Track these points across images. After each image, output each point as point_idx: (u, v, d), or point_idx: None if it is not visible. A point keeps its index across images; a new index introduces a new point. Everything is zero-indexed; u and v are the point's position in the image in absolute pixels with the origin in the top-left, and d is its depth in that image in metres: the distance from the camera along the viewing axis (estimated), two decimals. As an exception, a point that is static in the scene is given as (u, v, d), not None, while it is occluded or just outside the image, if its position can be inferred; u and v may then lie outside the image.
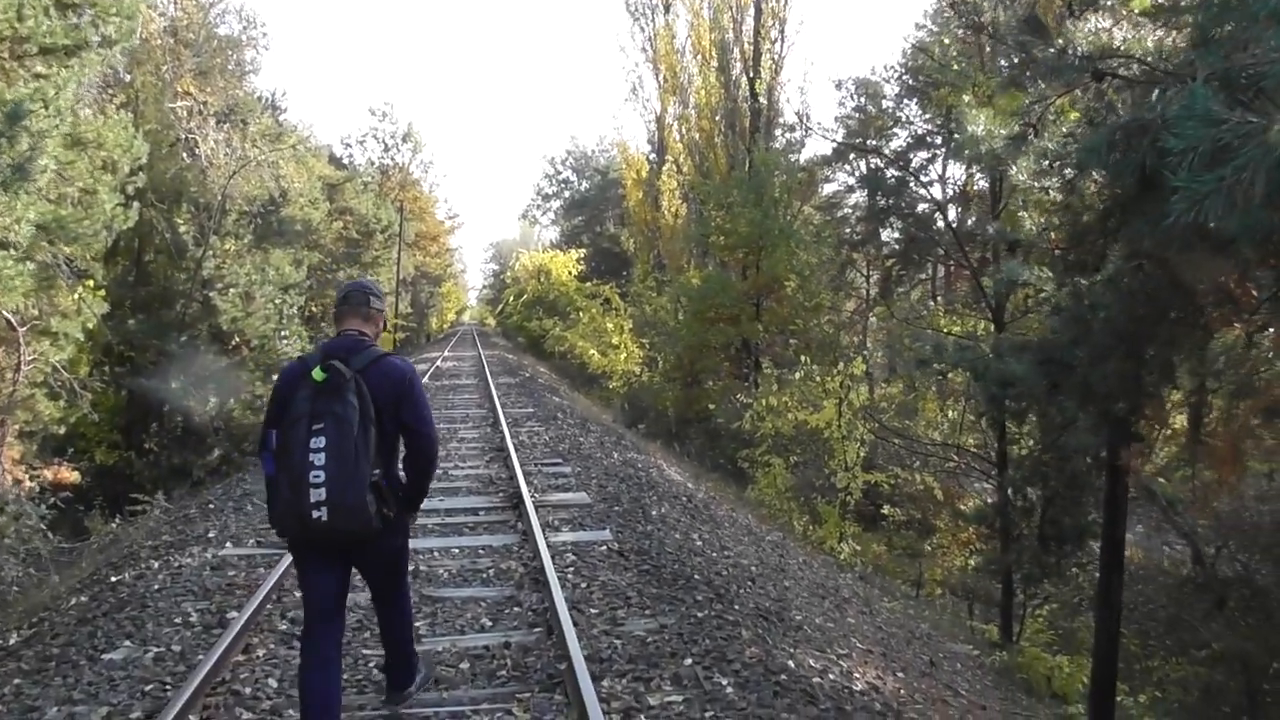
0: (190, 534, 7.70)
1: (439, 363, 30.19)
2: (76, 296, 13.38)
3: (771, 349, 24.61)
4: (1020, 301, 10.28)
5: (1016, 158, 5.49)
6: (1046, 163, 5.38)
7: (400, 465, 3.77)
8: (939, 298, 37.00)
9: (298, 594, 5.76)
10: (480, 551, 6.90)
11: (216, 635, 4.99)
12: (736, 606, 5.86)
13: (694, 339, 22.16)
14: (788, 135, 34.93)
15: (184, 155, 23.63)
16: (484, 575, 6.25)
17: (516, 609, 5.56)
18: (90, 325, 13.24)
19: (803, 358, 15.94)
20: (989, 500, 17.76)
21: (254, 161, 27.21)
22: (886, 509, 16.07)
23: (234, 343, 18.31)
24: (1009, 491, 8.91)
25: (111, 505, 15.21)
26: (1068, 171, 5.26)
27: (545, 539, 6.95)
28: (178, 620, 5.29)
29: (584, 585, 5.94)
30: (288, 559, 6.21)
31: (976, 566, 13.60)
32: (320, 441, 3.35)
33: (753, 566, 7.98)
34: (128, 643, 4.95)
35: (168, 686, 4.39)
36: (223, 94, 28.61)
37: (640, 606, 5.54)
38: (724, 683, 4.46)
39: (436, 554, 6.83)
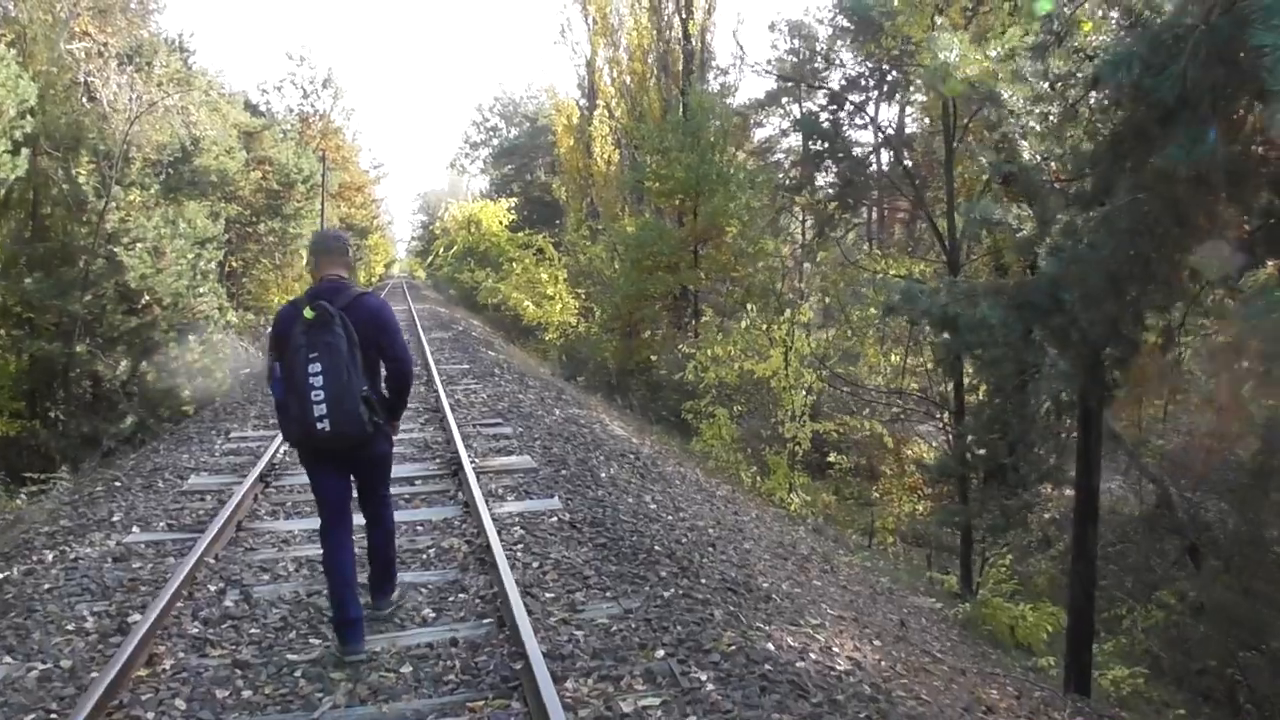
0: (92, 517, 6.93)
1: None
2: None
3: (711, 297, 24.16)
4: (991, 244, 9.96)
5: (1013, 80, 4.98)
6: (1046, 84, 4.88)
7: (382, 383, 4.49)
8: (873, 242, 36.91)
9: (211, 588, 5.13)
10: (418, 528, 6.29)
11: (115, 645, 4.33)
12: (703, 580, 5.38)
13: (632, 288, 21.54)
14: (721, 79, 34.22)
15: (83, 100, 22.09)
16: (423, 557, 5.65)
17: (462, 596, 4.98)
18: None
19: (748, 306, 15.46)
20: (935, 445, 17.68)
21: (160, 107, 25.63)
22: (833, 456, 15.79)
23: (144, 301, 17.14)
24: (968, 440, 8.55)
25: (16, 480, 14.20)
26: (1072, 93, 4.77)
27: (489, 510, 6.37)
28: (70, 627, 4.60)
29: (536, 565, 5.39)
30: (200, 544, 5.57)
31: (932, 515, 13.43)
32: (317, 367, 4.06)
33: (710, 529, 7.52)
34: (8, 659, 4.25)
35: (53, 715, 3.74)
36: (125, 34, 26.81)
37: (600, 588, 5.01)
38: (703, 678, 3.96)
39: (361, 529, 6.21)
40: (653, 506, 7.56)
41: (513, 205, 49.65)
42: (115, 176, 16.65)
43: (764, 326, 14.85)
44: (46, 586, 5.21)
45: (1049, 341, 5.61)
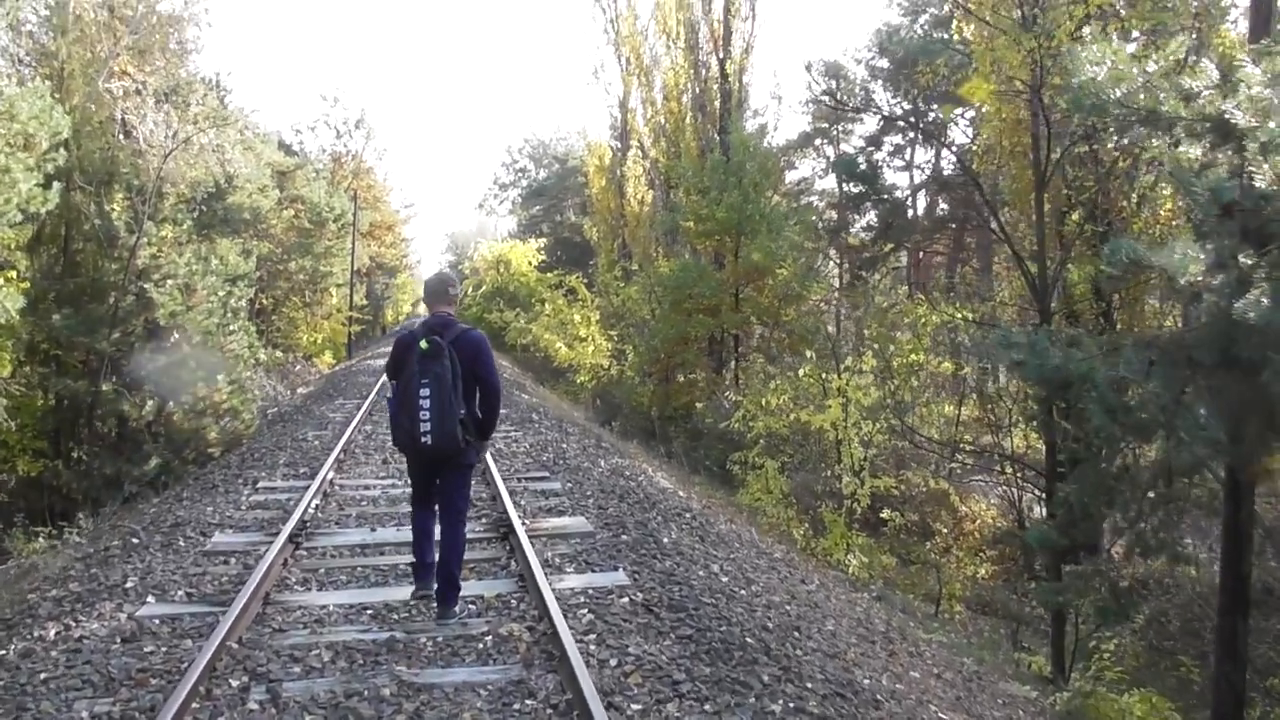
0: (104, 581, 6.22)
1: (394, 357, 28.59)
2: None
3: (750, 341, 23.42)
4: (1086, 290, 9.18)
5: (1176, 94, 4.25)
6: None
7: (476, 405, 5.17)
8: (912, 286, 36.03)
9: (233, 683, 4.38)
10: (470, 606, 5.52)
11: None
12: (809, 685, 4.56)
13: (671, 331, 20.83)
14: (759, 119, 33.73)
15: (119, 136, 21.87)
16: (479, 646, 4.87)
17: (530, 703, 4.19)
18: (1, 321, 11.57)
19: (808, 353, 14.68)
20: (991, 503, 16.72)
21: (194, 142, 25.43)
22: (885, 513, 14.86)
23: (173, 339, 16.60)
24: (1073, 507, 7.69)
25: (37, 520, 13.59)
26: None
27: (550, 585, 5.60)
28: (65, 735, 3.87)
29: (614, 662, 4.59)
30: (223, 625, 4.83)
31: (996, 579, 12.52)
32: (426, 391, 4.83)
33: (788, 605, 6.70)
34: (-13, 779, 3.53)
35: None
36: (162, 74, 26.76)
37: (696, 698, 4.20)
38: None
39: (414, 611, 5.45)
40: (724, 579, 6.76)
41: (542, 246, 49.36)
42: (148, 212, 16.21)
43: (822, 375, 14.03)
44: (43, 675, 4.47)
45: (1205, 402, 4.82)
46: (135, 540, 7.41)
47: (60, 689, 4.30)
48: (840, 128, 38.89)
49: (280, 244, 36.35)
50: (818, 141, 42.58)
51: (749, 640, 5.05)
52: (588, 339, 29.48)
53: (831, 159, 40.05)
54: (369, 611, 5.41)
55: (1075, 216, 12.54)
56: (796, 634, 5.90)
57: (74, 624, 5.28)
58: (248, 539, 7.17)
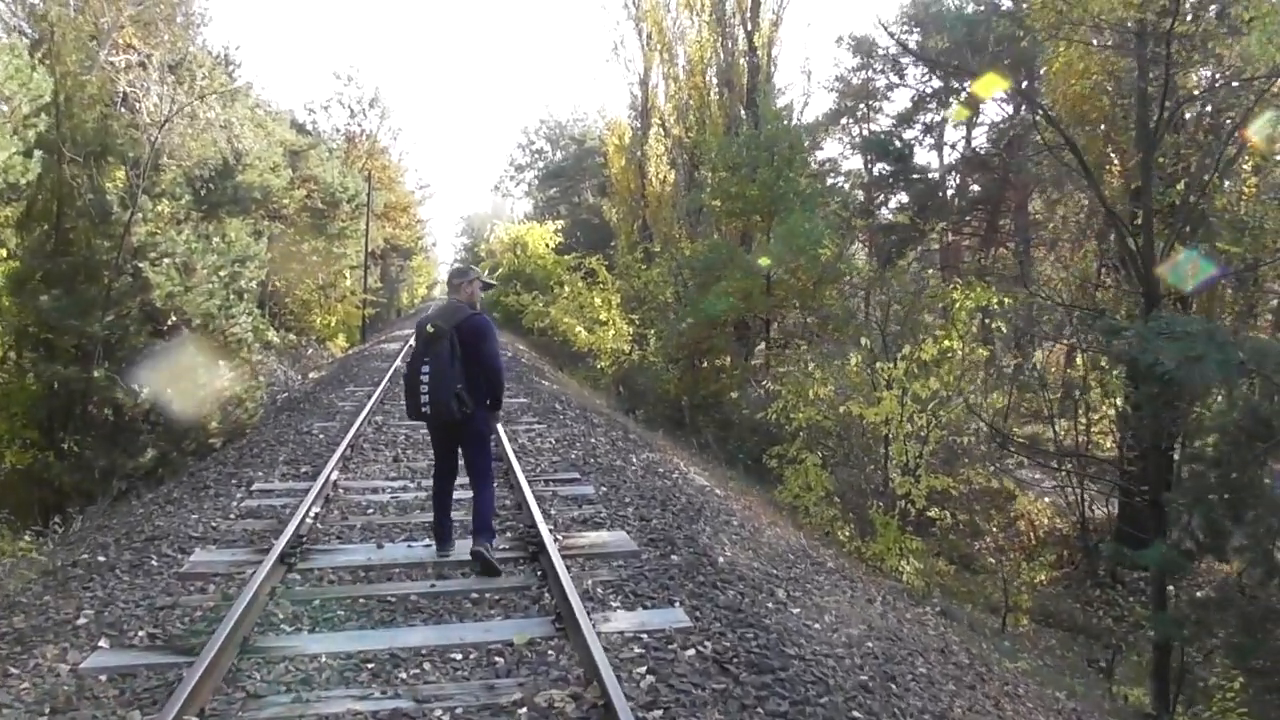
0: (55, 614, 5.16)
1: (412, 340, 27.54)
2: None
3: (780, 326, 22.26)
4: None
5: None
6: None
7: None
8: (945, 270, 34.65)
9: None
10: (495, 659, 4.42)
11: None
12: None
13: (699, 315, 19.66)
14: (786, 97, 32.41)
15: (120, 109, 20.86)
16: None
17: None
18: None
19: (863, 340, 13.50)
20: (1048, 500, 15.50)
21: (199, 116, 24.42)
22: (934, 511, 13.66)
23: (170, 322, 15.53)
24: (1185, 521, 6.53)
25: (26, 515, 12.61)
26: None
27: (594, 629, 4.50)
28: None
29: (691, 751, 3.48)
30: (181, 691, 3.74)
31: (1055, 585, 11.37)
32: (426, 368, 5.66)
33: (870, 642, 5.59)
34: None
35: None
36: (167, 46, 25.76)
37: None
38: None
39: (427, 664, 4.35)
40: (795, 610, 5.66)
41: (559, 227, 48.24)
42: (144, 186, 15.10)
43: (871, 364, 12.84)
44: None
45: None
46: (102, 559, 6.34)
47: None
48: (869, 105, 37.42)
49: (293, 225, 35.38)
50: (844, 121, 41.13)
51: (856, 715, 3.93)
52: (608, 323, 28.33)
53: (859, 138, 38.55)
54: (370, 666, 4.30)
55: (1180, 188, 11.26)
56: (894, 685, 4.81)
57: (2, 680, 4.21)
58: (232, 557, 6.09)
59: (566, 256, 40.05)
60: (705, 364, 21.29)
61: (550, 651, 4.48)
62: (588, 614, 4.71)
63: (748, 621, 5.00)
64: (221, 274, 16.78)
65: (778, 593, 6.03)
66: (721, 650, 4.48)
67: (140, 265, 14.88)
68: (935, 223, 27.16)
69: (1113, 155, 12.66)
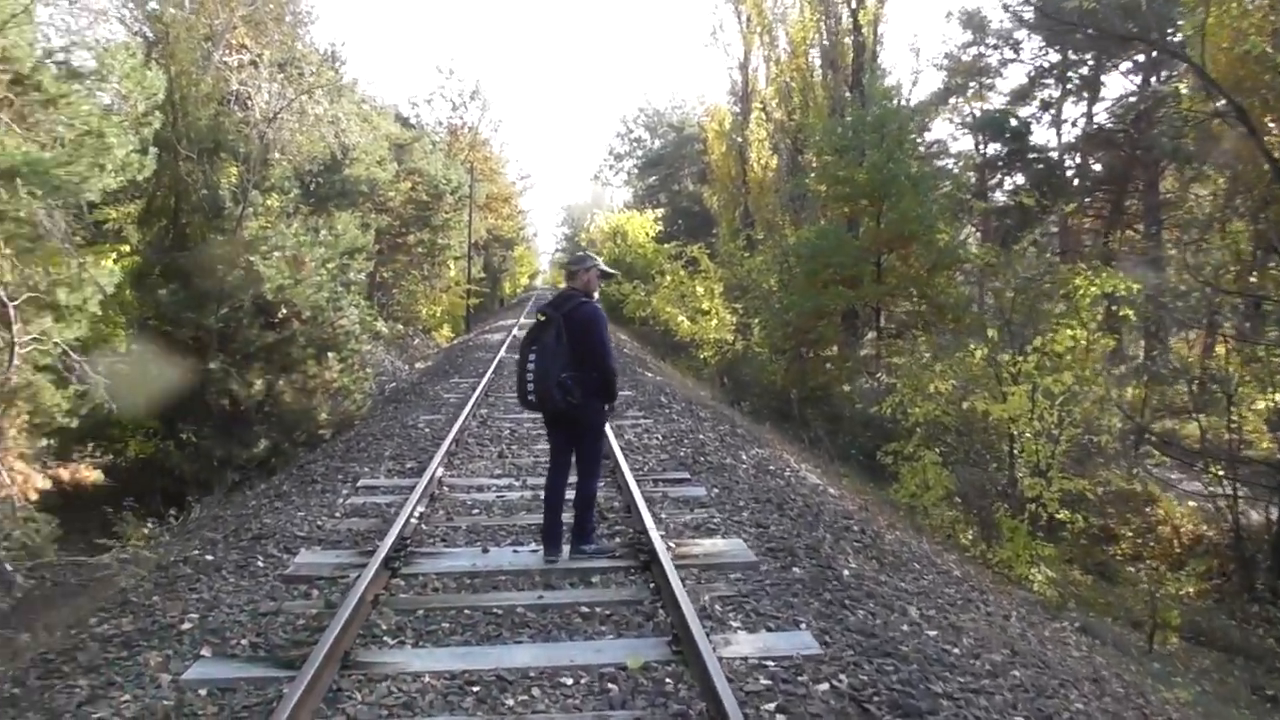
0: (161, 618, 5.05)
1: (515, 331, 27.63)
2: (76, 264, 10.86)
3: (893, 313, 21.45)
4: None
5: None
6: None
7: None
8: (1065, 254, 32.99)
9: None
10: (609, 684, 4.08)
11: None
12: None
13: (807, 304, 19.04)
14: (892, 78, 31.29)
15: (233, 107, 21.36)
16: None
17: None
18: (89, 297, 10.71)
19: (990, 332, 12.75)
20: (1192, 505, 14.40)
21: (308, 112, 24.86)
22: (1063, 514, 12.77)
23: (281, 315, 15.75)
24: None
25: (147, 504, 12.89)
26: None
27: (714, 653, 4.13)
28: None
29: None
30: (282, 711, 3.51)
31: (1206, 598, 10.46)
32: (533, 356, 5.63)
33: (1016, 670, 5.07)
34: None
35: None
36: (278, 45, 26.34)
37: None
38: None
39: (535, 689, 4.04)
40: (931, 633, 5.16)
41: (659, 216, 47.99)
42: (254, 180, 15.34)
43: (995, 357, 12.08)
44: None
45: None
46: (210, 557, 6.26)
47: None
48: (981, 82, 35.85)
49: (398, 217, 35.99)
50: (953, 100, 39.56)
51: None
52: (711, 312, 27.92)
53: (970, 117, 36.99)
54: (475, 690, 4.01)
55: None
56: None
57: (101, 694, 4.07)
58: (337, 560, 5.92)
59: (667, 245, 39.77)
60: (812, 354, 20.67)
61: (667, 679, 4.11)
62: (707, 635, 4.33)
63: (883, 649, 4.54)
64: (330, 266, 16.97)
65: (910, 611, 5.55)
66: (858, 685, 4.04)
67: (252, 259, 15.11)
68: (1065, 203, 25.76)
69: (1272, 125, 11.59)
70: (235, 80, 22.78)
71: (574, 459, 5.92)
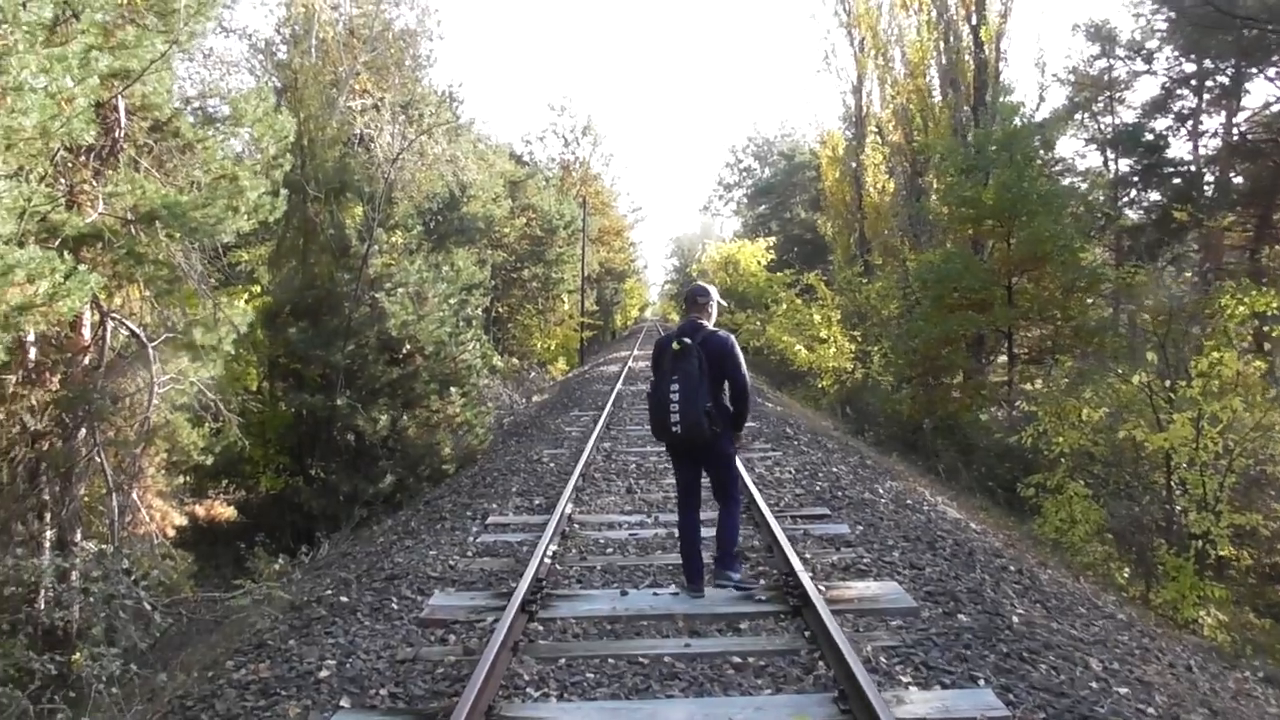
0: (297, 665, 4.92)
1: (630, 363, 27.55)
2: (212, 305, 11.16)
3: (1025, 338, 20.44)
4: None
5: None
6: None
7: (726, 399, 5.67)
8: (1206, 274, 31.06)
9: None
10: (774, 749, 3.72)
11: None
12: None
13: (935, 330, 18.30)
14: (1019, 91, 30.19)
15: (357, 148, 22.01)
16: None
17: None
18: (224, 336, 10.98)
19: (1149, 355, 11.91)
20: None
21: (429, 154, 25.49)
22: (1225, 550, 11.72)
23: (405, 350, 15.96)
24: None
25: (278, 539, 13.11)
26: None
27: (888, 711, 3.72)
28: None
29: None
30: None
31: None
32: (675, 386, 5.48)
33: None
34: None
35: None
36: (398, 88, 27.17)
37: None
38: None
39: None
40: (1122, 691, 4.61)
41: (771, 244, 47.51)
42: (378, 219, 15.64)
43: (1164, 383, 11.20)
44: None
45: None
46: (344, 599, 6.15)
47: None
48: (1113, 95, 34.30)
49: (513, 252, 36.58)
50: (1080, 115, 37.97)
51: None
52: (829, 340, 27.25)
53: (1098, 133, 35.40)
54: (630, 752, 3.71)
55: None
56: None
57: (242, 746, 3.92)
58: (472, 602, 5.73)
59: (779, 274, 39.23)
60: (939, 382, 19.86)
61: (839, 742, 3.72)
62: (878, 695, 3.92)
63: (1077, 710, 4.04)
64: (451, 302, 17.16)
65: (1091, 664, 5.00)
66: (1060, 755, 3.57)
67: (377, 295, 15.38)
68: (1217, 217, 24.31)
69: None
70: (359, 123, 23.53)
71: (700, 492, 5.88)
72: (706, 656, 4.71)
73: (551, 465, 10.95)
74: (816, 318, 28.17)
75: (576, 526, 7.71)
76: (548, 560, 6.45)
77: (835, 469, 10.33)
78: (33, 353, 9.44)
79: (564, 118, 65.99)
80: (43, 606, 8.49)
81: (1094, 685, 4.55)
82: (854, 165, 35.54)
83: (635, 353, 33.41)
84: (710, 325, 5.79)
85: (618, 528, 7.63)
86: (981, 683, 4.27)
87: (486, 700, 4.11)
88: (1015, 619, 5.43)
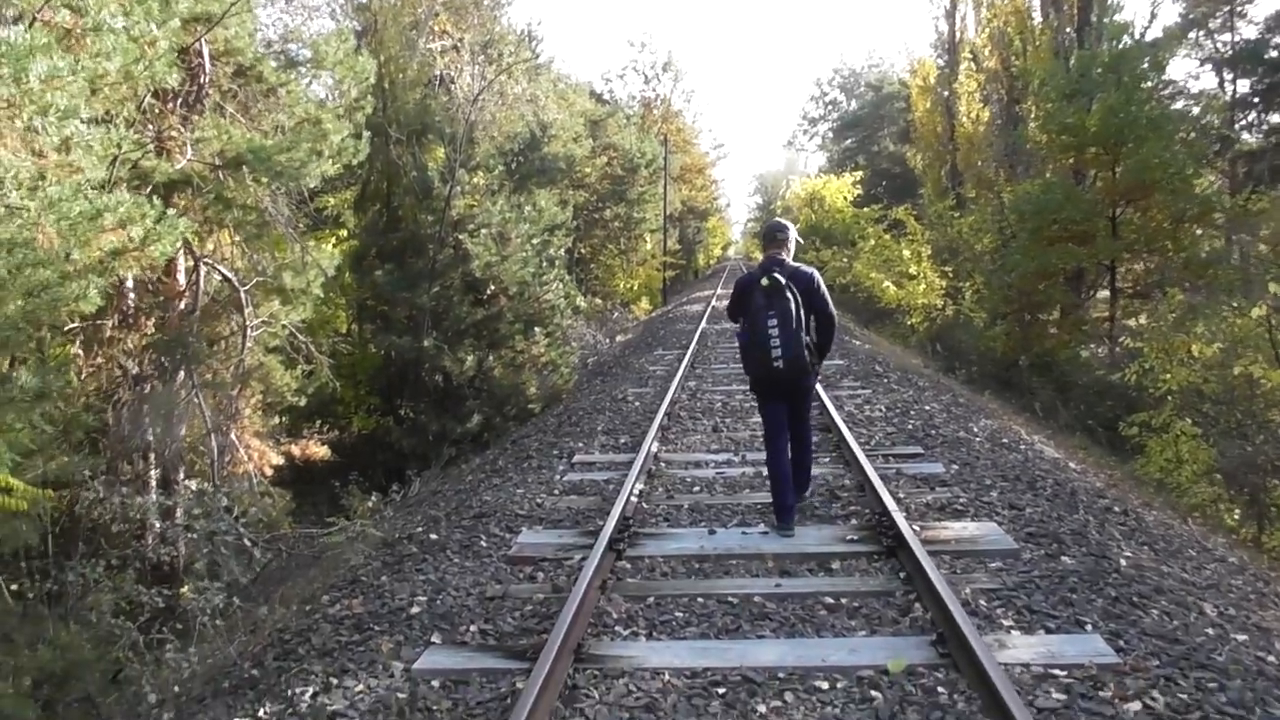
0: (390, 600, 4.98)
1: (714, 302, 27.30)
2: (300, 249, 11.31)
3: (1129, 271, 19.54)
4: None
5: None
6: None
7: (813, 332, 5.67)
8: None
9: None
10: (871, 689, 3.59)
11: None
12: None
13: (1032, 264, 17.60)
14: (1128, 10, 28.54)
15: (437, 89, 21.99)
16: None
17: None
18: (312, 280, 11.14)
19: (1271, 286, 11.22)
20: None
21: (499, 86, 25.28)
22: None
23: (489, 291, 16.04)
24: None
25: (370, 476, 13.43)
26: None
27: (992, 657, 3.56)
28: None
29: None
30: (520, 711, 3.24)
31: None
32: (774, 322, 5.47)
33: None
34: None
35: None
36: (477, 28, 26.98)
37: None
38: None
39: (788, 693, 3.61)
40: (1241, 638, 4.33)
41: (858, 179, 46.28)
42: (460, 160, 15.62)
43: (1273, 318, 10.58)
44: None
45: None
46: (434, 537, 6.21)
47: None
48: (1233, 10, 32.12)
49: (595, 192, 36.37)
50: (1193, 34, 35.73)
51: None
52: (919, 276, 26.50)
53: (1215, 53, 33.29)
54: (721, 693, 3.63)
55: None
56: None
57: (335, 681, 3.97)
58: (559, 540, 5.72)
59: (867, 209, 38.24)
60: (1035, 318, 19.16)
61: (940, 688, 3.58)
62: (979, 639, 3.76)
63: (1194, 659, 3.81)
64: (534, 242, 17.14)
65: (1206, 609, 4.73)
66: (1179, 707, 3.36)
67: (460, 237, 15.44)
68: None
69: None
70: (439, 64, 23.48)
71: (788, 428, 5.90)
72: (797, 597, 4.60)
73: (636, 404, 10.89)
74: (905, 253, 27.36)
75: (663, 465, 7.64)
76: (634, 499, 6.40)
77: (927, 407, 10.04)
78: (130, 298, 9.71)
79: (644, 54, 65.27)
80: (150, 543, 8.84)
81: (1209, 631, 4.29)
82: (946, 94, 34.27)
83: (719, 291, 33.06)
84: (790, 260, 5.78)
85: (704, 466, 7.54)
86: (1089, 628, 4.07)
87: (575, 638, 4.08)
88: (1123, 562, 5.18)
